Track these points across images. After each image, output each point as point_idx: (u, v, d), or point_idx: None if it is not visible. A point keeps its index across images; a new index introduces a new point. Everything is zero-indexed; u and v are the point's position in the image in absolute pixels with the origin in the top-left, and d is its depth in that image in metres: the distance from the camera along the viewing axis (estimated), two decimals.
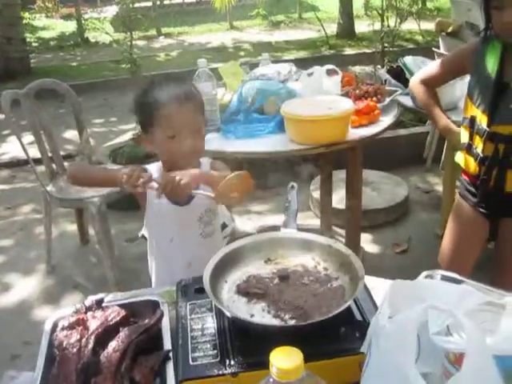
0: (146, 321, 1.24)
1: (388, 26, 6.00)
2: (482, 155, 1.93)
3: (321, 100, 2.39)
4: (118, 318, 1.23)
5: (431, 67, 2.23)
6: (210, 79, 2.40)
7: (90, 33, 10.76)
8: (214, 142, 2.37)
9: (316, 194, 3.70)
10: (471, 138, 1.98)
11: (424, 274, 1.44)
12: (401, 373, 0.82)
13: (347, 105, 2.31)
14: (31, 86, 3.28)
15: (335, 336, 1.10)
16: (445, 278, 1.40)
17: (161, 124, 1.58)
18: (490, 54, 1.89)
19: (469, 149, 2.00)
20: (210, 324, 1.16)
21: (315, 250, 1.33)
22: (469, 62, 1.98)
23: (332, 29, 9.15)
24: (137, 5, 8.72)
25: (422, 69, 2.27)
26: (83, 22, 10.70)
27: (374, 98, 2.68)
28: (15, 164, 5.06)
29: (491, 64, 1.88)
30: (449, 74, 2.18)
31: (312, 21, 10.84)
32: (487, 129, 1.89)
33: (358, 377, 0.97)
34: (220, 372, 1.03)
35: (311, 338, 1.04)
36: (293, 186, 1.57)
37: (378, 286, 1.31)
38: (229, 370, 1.03)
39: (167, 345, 1.17)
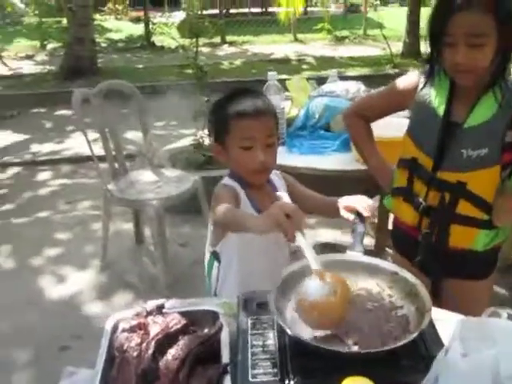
0: (206, 331, 1.25)
1: None
2: (424, 204, 1.71)
3: (390, 122, 2.35)
4: (179, 326, 1.24)
5: (367, 99, 2.04)
6: (279, 92, 2.41)
7: (157, 37, 11.05)
8: (278, 155, 2.36)
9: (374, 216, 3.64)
10: (410, 182, 1.76)
11: (490, 310, 1.40)
12: None
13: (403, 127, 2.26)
14: (101, 86, 3.36)
15: (397, 367, 1.08)
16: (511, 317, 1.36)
17: (237, 134, 1.58)
18: (436, 89, 1.69)
19: (407, 195, 1.77)
20: (271, 341, 1.15)
21: (381, 276, 1.31)
22: (410, 96, 1.76)
23: (397, 47, 9.06)
24: (204, 12, 8.93)
25: (357, 99, 2.03)
26: (151, 25, 10.99)
27: None
28: (77, 160, 5.21)
29: (437, 101, 1.68)
30: (387, 107, 1.93)
31: (377, 38, 10.78)
32: (433, 175, 1.68)
33: None
34: None
35: (373, 366, 1.02)
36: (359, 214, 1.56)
37: (443, 319, 1.28)
38: None
39: (225, 358, 1.17)
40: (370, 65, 8.76)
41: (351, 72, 7.99)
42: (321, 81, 2.98)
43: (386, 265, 1.33)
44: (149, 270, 3.41)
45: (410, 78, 1.80)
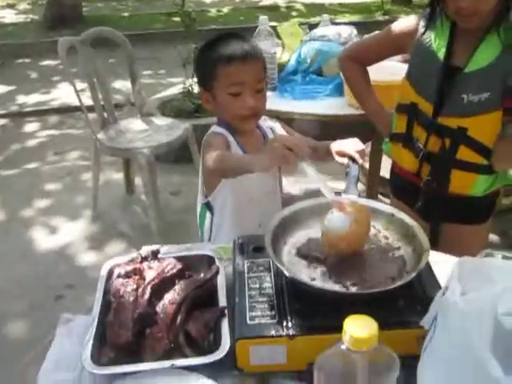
0: (202, 275, 1.24)
1: None
2: (425, 151, 1.70)
3: (383, 66, 2.30)
4: (175, 271, 1.23)
5: (364, 42, 1.99)
6: (271, 37, 2.36)
7: None
8: (270, 100, 2.28)
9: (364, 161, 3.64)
10: (409, 128, 1.74)
11: (484, 252, 1.40)
12: (472, 354, 0.79)
13: (401, 71, 2.22)
14: (88, 33, 3.27)
15: (395, 307, 1.08)
16: (505, 258, 1.37)
17: (224, 80, 1.54)
18: (436, 33, 1.65)
19: (407, 141, 1.76)
20: (268, 284, 1.15)
21: (376, 218, 1.30)
22: (410, 40, 1.72)
23: None
24: None
25: (353, 43, 1.98)
26: None
27: None
28: (65, 110, 5.12)
29: (438, 45, 1.64)
30: (384, 51, 1.89)
31: None
32: (433, 120, 1.66)
33: (417, 350, 0.95)
34: (277, 333, 1.02)
35: (371, 306, 1.02)
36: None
37: (439, 261, 1.28)
38: (286, 332, 1.02)
39: (222, 301, 1.16)
40: (360, 11, 8.59)
41: (341, 19, 7.80)
42: (312, 27, 2.90)
43: (382, 207, 1.33)
44: (141, 219, 3.40)
45: (409, 22, 1.75)
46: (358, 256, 1.17)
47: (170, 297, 1.17)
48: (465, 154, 1.64)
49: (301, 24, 3.01)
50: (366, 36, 2.23)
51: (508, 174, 1.76)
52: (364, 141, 1.72)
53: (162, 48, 6.77)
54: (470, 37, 1.59)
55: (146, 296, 1.17)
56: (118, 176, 3.79)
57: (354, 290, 1.08)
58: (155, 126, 3.37)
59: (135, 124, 3.42)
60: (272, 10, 8.84)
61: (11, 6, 9.87)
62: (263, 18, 2.36)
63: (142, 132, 3.29)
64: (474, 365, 0.78)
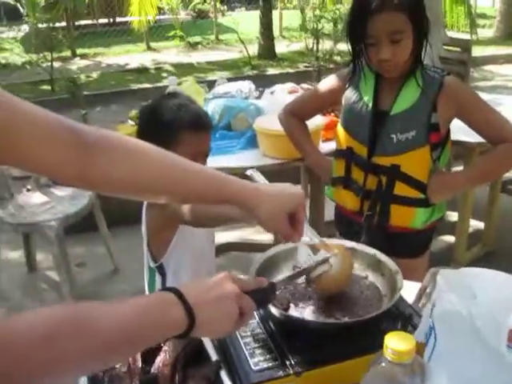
0: None
1: (314, 47, 6.27)
2: (364, 189, 1.86)
3: None
4: None
5: (300, 100, 2.16)
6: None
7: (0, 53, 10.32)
8: None
9: None
10: (348, 171, 1.90)
11: (431, 271, 1.55)
12: (487, 347, 0.89)
13: (317, 120, 2.40)
14: None
15: (379, 331, 1.14)
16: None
17: (186, 145, 1.53)
18: (362, 84, 1.85)
19: (347, 183, 1.91)
20: (258, 330, 1.18)
21: None
22: (337, 95, 1.92)
23: (251, 49, 9.34)
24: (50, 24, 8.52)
25: (292, 100, 2.18)
26: None
27: (332, 114, 2.80)
28: None
29: (366, 93, 1.83)
30: (319, 106, 2.13)
31: (229, 42, 11.05)
32: (368, 160, 1.82)
33: None
34: (285, 373, 1.06)
35: (360, 334, 1.10)
36: None
37: None
38: (292, 370, 1.06)
39: (212, 354, 1.18)
40: (228, 68, 8.94)
41: (212, 76, 8.08)
42: (211, 84, 3.04)
43: (344, 243, 1.42)
44: (50, 296, 3.22)
45: (331, 82, 1.97)
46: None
47: (163, 359, 1.16)
48: (401, 189, 1.81)
49: (198, 82, 3.12)
50: (301, 93, 2.40)
51: (444, 206, 1.96)
52: None
53: None
54: (393, 84, 1.80)
55: (139, 363, 1.15)
56: (15, 254, 3.58)
57: (346, 319, 1.15)
58: (56, 197, 3.26)
59: (34, 197, 3.28)
60: (141, 73, 8.95)
61: None
62: (172, 78, 2.44)
63: (44, 204, 3.17)
64: (489, 355, 0.88)
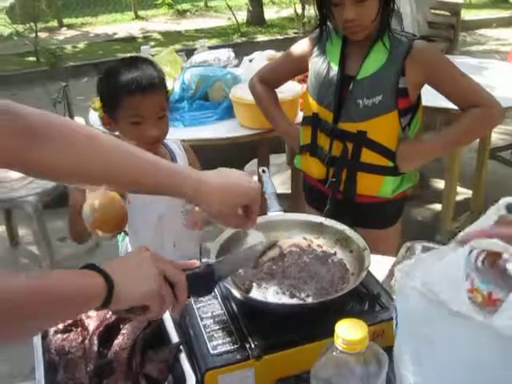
0: None
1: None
2: (329, 156, 1.80)
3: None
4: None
5: (271, 66, 2.09)
6: None
7: None
8: None
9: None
10: (314, 138, 1.84)
11: (406, 245, 1.50)
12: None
13: (296, 88, 2.33)
14: None
15: (349, 310, 1.11)
16: (425, 248, 1.46)
17: (127, 110, 1.55)
18: (329, 48, 1.79)
19: (313, 150, 1.85)
20: (220, 311, 1.13)
21: (306, 229, 1.34)
22: (308, 58, 1.85)
23: (241, 16, 9.16)
24: None
25: (261, 68, 2.10)
26: None
27: None
28: None
29: (333, 58, 1.77)
30: (288, 73, 2.04)
31: (218, 9, 10.82)
32: (334, 126, 1.77)
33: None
34: (244, 357, 1.01)
35: (327, 313, 1.05)
36: (264, 171, 1.56)
37: None
38: (252, 354, 1.02)
39: (174, 337, 1.13)
40: (217, 36, 8.77)
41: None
42: (190, 53, 2.94)
43: (310, 217, 1.36)
44: (31, 271, 3.18)
45: (303, 45, 1.88)
46: (302, 269, 1.20)
47: (120, 343, 1.12)
48: (368, 156, 1.74)
49: (177, 51, 3.02)
50: (271, 61, 2.31)
51: (414, 175, 1.89)
52: (260, 157, 1.75)
53: (23, 90, 6.44)
54: (360, 48, 1.72)
55: (95, 347, 1.10)
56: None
57: (309, 300, 1.10)
58: None
59: (12, 172, 3.19)
60: (129, 42, 8.77)
61: None
62: (145, 47, 2.36)
63: (22, 179, 3.10)
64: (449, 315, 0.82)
